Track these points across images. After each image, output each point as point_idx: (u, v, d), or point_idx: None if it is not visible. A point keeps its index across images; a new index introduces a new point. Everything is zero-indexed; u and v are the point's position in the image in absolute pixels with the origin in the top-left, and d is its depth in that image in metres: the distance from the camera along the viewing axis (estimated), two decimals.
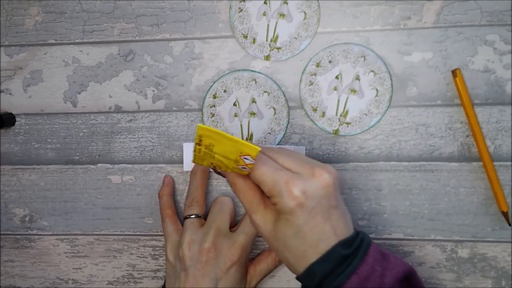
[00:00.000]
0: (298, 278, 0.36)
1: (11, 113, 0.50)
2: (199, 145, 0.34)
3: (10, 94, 0.50)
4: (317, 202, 0.34)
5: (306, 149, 0.46)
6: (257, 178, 0.36)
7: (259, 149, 0.33)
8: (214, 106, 0.47)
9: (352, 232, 0.36)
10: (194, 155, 0.35)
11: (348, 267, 0.34)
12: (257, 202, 0.37)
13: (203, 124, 0.45)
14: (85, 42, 0.48)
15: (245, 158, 0.34)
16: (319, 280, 0.34)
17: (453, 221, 0.45)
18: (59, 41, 0.48)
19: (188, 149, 0.47)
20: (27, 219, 0.51)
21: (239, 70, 0.46)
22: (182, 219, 0.46)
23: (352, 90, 0.45)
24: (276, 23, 0.45)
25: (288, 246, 0.35)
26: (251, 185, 0.37)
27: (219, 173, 0.39)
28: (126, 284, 0.50)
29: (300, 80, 0.46)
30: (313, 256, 0.35)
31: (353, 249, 0.34)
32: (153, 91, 0.48)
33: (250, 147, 0.32)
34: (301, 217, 0.34)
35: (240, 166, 0.35)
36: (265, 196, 0.37)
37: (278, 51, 0.46)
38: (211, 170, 0.47)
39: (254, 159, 0.34)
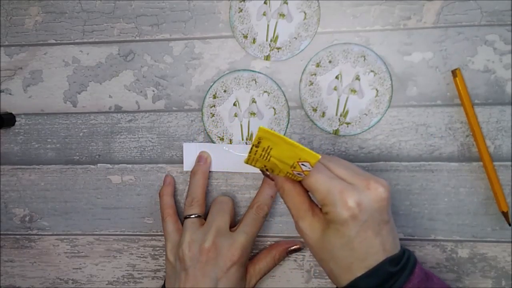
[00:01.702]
0: None
1: (11, 113, 0.50)
2: (257, 146, 0.33)
3: (10, 94, 0.50)
4: (370, 215, 0.34)
5: None
6: (311, 186, 0.35)
7: (320, 156, 0.32)
8: (214, 106, 0.47)
9: (399, 249, 0.36)
10: (249, 156, 0.35)
11: (394, 285, 0.34)
12: (305, 209, 0.37)
13: (204, 122, 0.45)
14: (85, 42, 0.48)
15: (302, 164, 0.33)
16: None
17: (453, 221, 0.45)
18: (59, 41, 0.48)
19: (188, 149, 0.47)
20: (27, 219, 0.51)
21: (239, 70, 0.46)
22: (182, 219, 0.46)
23: (352, 90, 0.45)
24: (276, 23, 0.45)
25: (335, 256, 0.35)
26: (300, 190, 0.37)
27: (267, 176, 0.39)
28: (126, 284, 0.50)
29: (300, 80, 0.46)
30: (359, 270, 0.34)
31: (400, 266, 0.34)
32: (153, 91, 0.48)
33: (310, 154, 0.32)
34: (353, 229, 0.34)
35: (295, 172, 0.35)
36: (314, 203, 0.37)
37: (278, 51, 0.46)
38: (212, 170, 0.47)
39: (312, 166, 0.33)
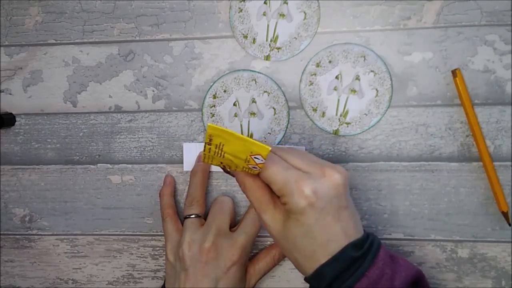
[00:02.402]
0: (306, 279, 0.36)
1: (11, 113, 0.50)
2: (209, 144, 0.33)
3: (10, 94, 0.50)
4: (327, 202, 0.34)
5: (306, 149, 0.46)
6: (268, 177, 0.36)
7: (270, 148, 0.32)
8: (214, 106, 0.47)
9: (362, 233, 0.36)
10: (204, 154, 0.35)
11: (358, 270, 0.33)
12: (266, 202, 0.37)
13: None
14: (85, 42, 0.48)
15: (255, 158, 0.34)
16: (329, 282, 0.34)
17: (453, 221, 0.45)
18: (59, 41, 0.48)
19: (188, 149, 0.47)
20: (27, 219, 0.51)
21: (239, 70, 0.46)
22: (182, 219, 0.46)
23: (352, 90, 0.45)
24: (276, 23, 0.45)
25: (298, 246, 0.35)
26: (260, 184, 0.37)
27: (228, 172, 0.39)
28: (126, 284, 0.50)
29: (300, 80, 0.46)
30: (322, 257, 0.34)
31: (363, 251, 0.34)
32: (153, 91, 0.48)
33: (261, 147, 0.32)
34: (311, 217, 0.34)
35: (250, 166, 0.35)
36: (275, 195, 0.37)
37: (278, 51, 0.46)
38: (212, 170, 0.47)
39: (264, 159, 0.33)
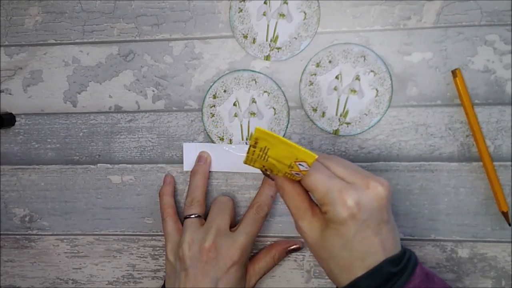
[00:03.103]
0: None
1: (11, 113, 0.50)
2: (254, 147, 0.33)
3: (10, 94, 0.50)
4: (369, 214, 0.34)
5: None
6: (310, 185, 0.35)
7: (316, 156, 0.32)
8: (214, 106, 0.47)
9: (399, 249, 0.36)
10: (247, 156, 0.35)
11: (395, 286, 0.33)
12: (305, 209, 0.37)
13: (204, 122, 0.45)
14: (85, 42, 0.48)
15: (300, 164, 0.33)
16: None
17: (453, 221, 0.45)
18: (59, 41, 0.48)
19: (188, 149, 0.47)
20: (27, 219, 0.51)
21: (239, 70, 0.46)
22: (182, 219, 0.46)
23: (352, 90, 0.45)
24: (276, 23, 0.45)
25: (334, 256, 0.35)
26: (299, 191, 0.37)
27: (267, 176, 0.39)
28: (126, 284, 0.50)
29: (300, 80, 0.46)
30: (359, 270, 0.34)
31: (400, 267, 0.34)
32: (153, 91, 0.48)
33: (307, 154, 0.32)
34: (352, 228, 0.34)
35: (293, 172, 0.35)
36: (313, 203, 0.37)
37: (278, 51, 0.46)
38: (212, 170, 0.47)
39: (309, 166, 0.33)
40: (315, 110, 0.46)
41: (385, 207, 0.35)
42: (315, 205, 0.37)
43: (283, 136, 0.46)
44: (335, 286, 0.37)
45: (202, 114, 0.47)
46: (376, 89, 0.45)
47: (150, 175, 0.49)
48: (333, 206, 0.34)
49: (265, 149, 0.33)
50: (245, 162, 0.37)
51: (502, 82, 0.44)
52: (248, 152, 0.35)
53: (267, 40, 0.46)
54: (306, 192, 0.37)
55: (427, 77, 0.44)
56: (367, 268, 0.34)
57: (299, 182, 0.37)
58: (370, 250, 0.34)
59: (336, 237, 0.34)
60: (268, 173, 0.38)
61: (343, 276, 0.35)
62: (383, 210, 0.35)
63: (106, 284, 0.50)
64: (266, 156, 0.34)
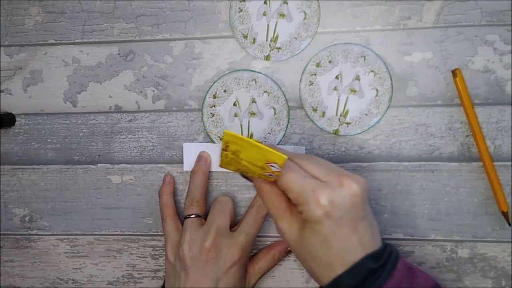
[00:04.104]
0: None
1: (11, 113, 0.50)
2: (226, 150, 0.33)
3: (10, 94, 0.50)
4: (344, 212, 0.34)
5: (306, 149, 0.46)
6: (284, 185, 0.35)
7: (286, 157, 0.32)
8: (214, 106, 0.47)
9: (379, 244, 0.35)
10: (221, 159, 0.35)
11: (376, 282, 0.33)
12: (283, 209, 0.37)
13: (204, 122, 0.45)
14: (85, 42, 0.48)
15: (271, 166, 0.33)
16: None
17: (453, 221, 0.45)
18: (59, 41, 0.48)
19: (188, 149, 0.47)
20: (27, 219, 0.51)
21: (239, 70, 0.46)
22: (182, 219, 0.46)
23: (352, 90, 0.45)
24: (276, 23, 0.45)
25: (314, 256, 0.35)
26: (277, 191, 0.37)
27: (246, 178, 0.39)
28: (126, 284, 0.50)
29: (300, 80, 0.46)
30: (339, 267, 0.34)
31: (381, 263, 0.34)
32: (153, 91, 0.48)
33: (277, 155, 0.32)
34: (328, 227, 0.34)
35: (266, 173, 0.35)
36: (292, 203, 0.37)
37: (278, 51, 0.46)
38: (212, 170, 0.47)
39: (280, 167, 0.33)
40: (315, 110, 0.46)
41: (360, 204, 0.34)
42: (293, 206, 0.37)
43: (283, 136, 0.46)
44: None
45: (202, 114, 0.47)
46: (376, 89, 0.45)
47: (150, 175, 0.49)
48: (307, 205, 0.34)
49: (236, 152, 0.33)
50: (221, 166, 0.37)
51: (502, 82, 0.44)
52: (221, 156, 0.35)
53: (267, 40, 0.46)
54: (284, 193, 0.37)
55: (427, 77, 0.44)
56: (347, 265, 0.34)
57: (276, 183, 0.37)
58: (348, 247, 0.34)
59: (313, 236, 0.34)
60: (245, 175, 0.38)
61: (324, 274, 0.35)
62: (358, 207, 0.34)
63: (106, 284, 0.50)
64: (239, 159, 0.34)
